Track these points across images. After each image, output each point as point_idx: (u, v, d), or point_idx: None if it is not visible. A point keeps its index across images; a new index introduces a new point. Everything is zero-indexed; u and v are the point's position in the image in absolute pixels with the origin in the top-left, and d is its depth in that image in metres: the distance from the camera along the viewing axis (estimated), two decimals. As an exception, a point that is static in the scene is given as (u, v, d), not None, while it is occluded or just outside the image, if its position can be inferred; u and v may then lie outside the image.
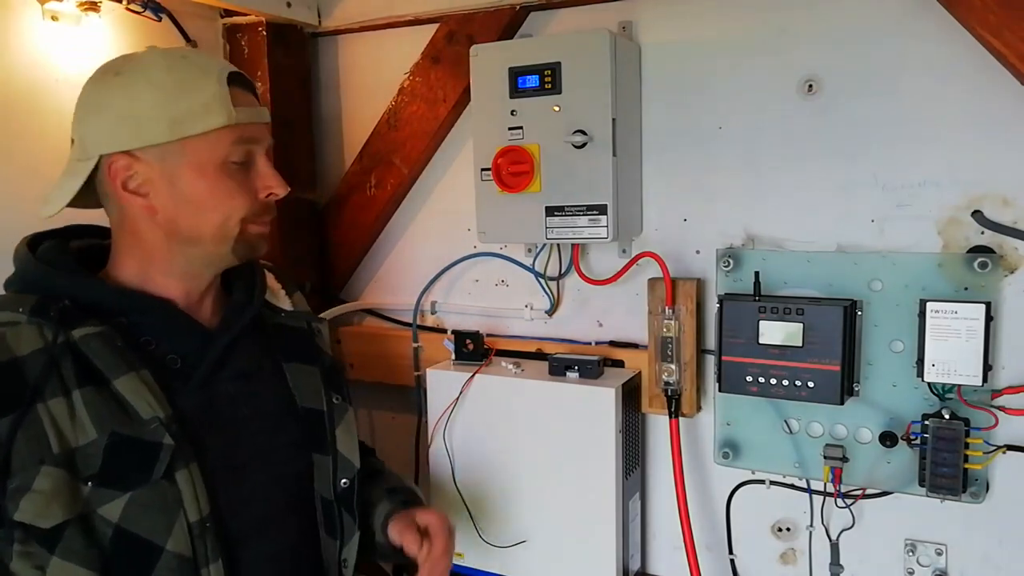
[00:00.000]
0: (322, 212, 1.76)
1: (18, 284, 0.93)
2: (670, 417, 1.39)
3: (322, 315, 1.71)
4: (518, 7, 1.47)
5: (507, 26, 1.48)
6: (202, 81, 0.92)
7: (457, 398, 1.44)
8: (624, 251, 1.47)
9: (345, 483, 1.07)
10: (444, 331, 1.66)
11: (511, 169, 1.35)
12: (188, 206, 0.94)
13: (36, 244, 0.96)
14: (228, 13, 1.63)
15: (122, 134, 0.91)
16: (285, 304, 1.14)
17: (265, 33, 1.62)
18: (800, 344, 1.24)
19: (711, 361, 1.38)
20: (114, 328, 0.90)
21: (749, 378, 1.29)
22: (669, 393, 1.39)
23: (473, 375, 1.43)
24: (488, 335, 1.61)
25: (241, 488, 0.96)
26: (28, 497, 0.81)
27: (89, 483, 0.84)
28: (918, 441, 1.22)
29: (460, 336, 1.52)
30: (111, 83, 0.93)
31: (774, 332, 1.26)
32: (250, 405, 1.01)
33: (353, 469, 1.09)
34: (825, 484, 1.31)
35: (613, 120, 1.31)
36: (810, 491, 1.35)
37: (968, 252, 1.21)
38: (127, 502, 0.85)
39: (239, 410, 0.99)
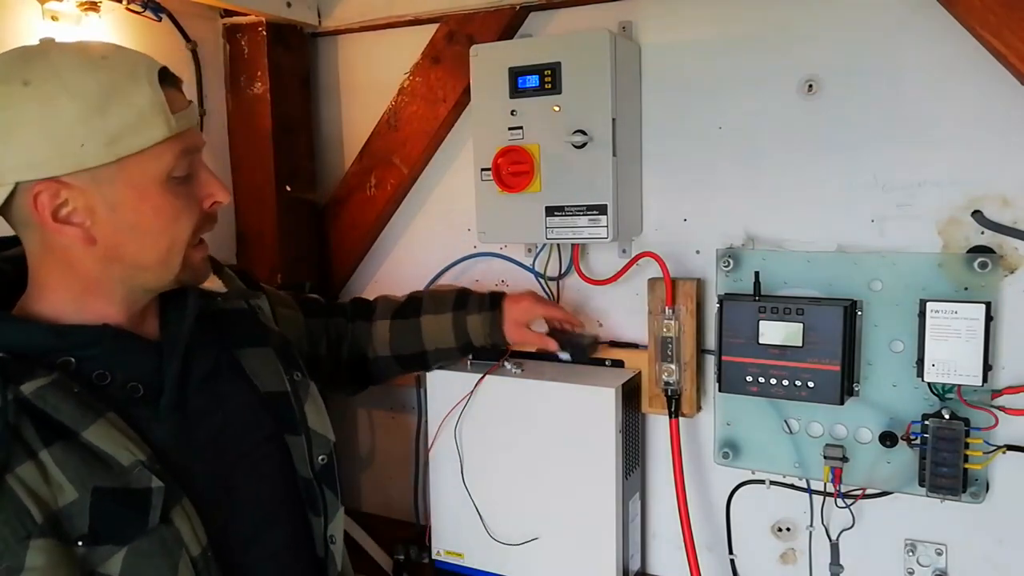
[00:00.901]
0: (322, 212, 1.76)
1: None
2: (670, 417, 1.39)
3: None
4: (518, 7, 1.47)
5: (507, 26, 1.48)
6: (131, 86, 0.80)
7: (469, 394, 1.43)
8: (624, 251, 1.47)
9: (322, 459, 1.04)
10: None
11: (511, 169, 1.35)
12: (131, 232, 0.84)
13: None
14: (228, 13, 1.63)
15: (45, 158, 0.78)
16: (216, 286, 1.06)
17: (265, 33, 1.61)
18: (800, 344, 1.24)
19: (711, 361, 1.38)
20: (63, 372, 0.81)
21: (749, 378, 1.29)
22: (669, 393, 1.39)
23: (485, 375, 1.42)
24: (488, 335, 1.62)
25: (231, 500, 0.92)
26: None
27: (80, 543, 0.76)
28: (918, 441, 1.21)
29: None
30: (19, 95, 0.78)
31: (774, 332, 1.26)
32: (220, 410, 0.96)
33: (328, 444, 1.06)
34: (825, 484, 1.31)
35: (613, 120, 1.31)
36: (810, 491, 1.35)
37: (968, 252, 1.21)
38: (126, 555, 0.79)
39: (212, 419, 0.94)
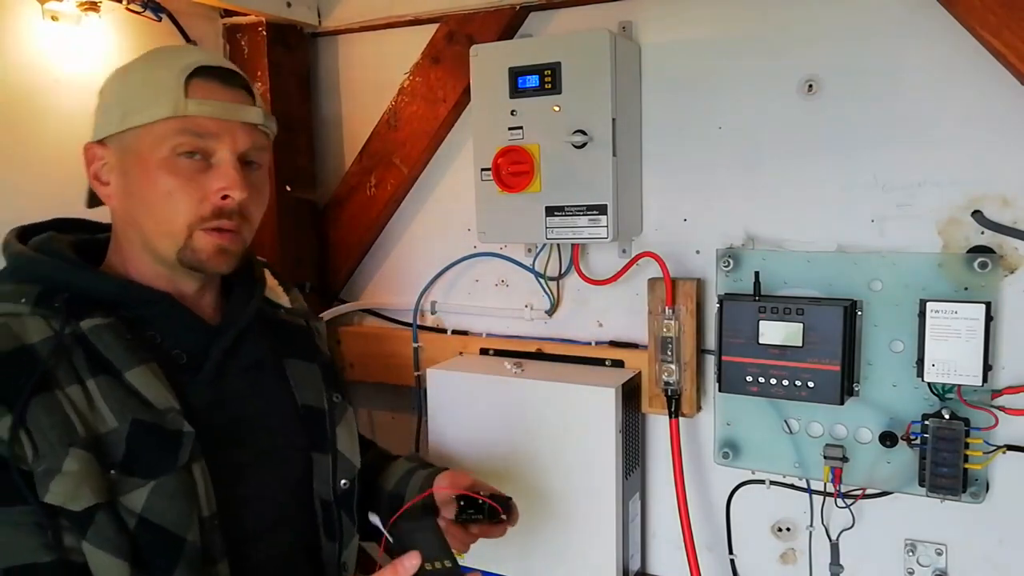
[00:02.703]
0: (322, 212, 1.76)
1: (14, 276, 0.89)
2: (670, 417, 1.39)
3: (322, 315, 1.71)
4: (518, 7, 1.47)
5: (507, 26, 1.48)
6: (161, 73, 0.90)
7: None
8: (624, 251, 1.47)
9: (345, 484, 1.05)
10: (444, 331, 1.66)
11: (511, 169, 1.35)
12: (133, 198, 0.91)
13: (24, 237, 0.94)
14: (228, 13, 1.63)
15: (95, 124, 0.94)
16: (284, 301, 1.11)
17: (265, 33, 1.62)
18: (800, 344, 1.24)
19: (711, 361, 1.38)
20: (120, 320, 0.88)
21: (749, 378, 1.29)
22: (669, 393, 1.39)
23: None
24: (488, 335, 1.62)
25: (245, 488, 0.94)
26: (58, 480, 0.78)
27: (113, 471, 0.82)
28: (918, 441, 1.21)
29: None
30: (110, 77, 0.95)
31: (774, 332, 1.26)
32: (256, 402, 0.99)
33: (353, 470, 1.07)
34: (825, 484, 1.31)
35: (613, 120, 1.31)
36: (810, 491, 1.35)
37: (968, 252, 1.21)
38: (151, 491, 0.83)
39: (246, 407, 0.97)
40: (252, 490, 0.95)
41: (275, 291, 1.12)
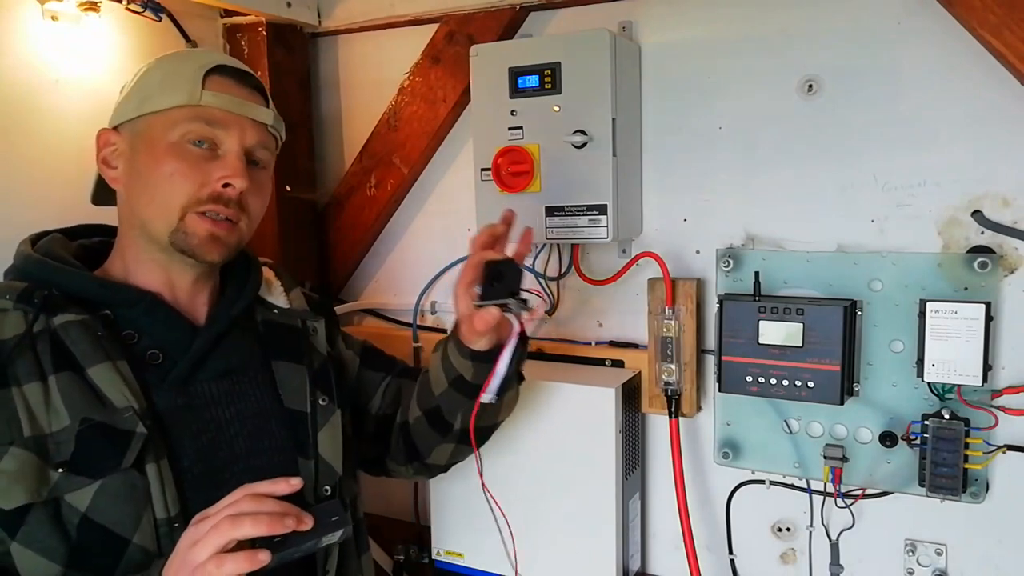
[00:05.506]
0: (322, 212, 1.76)
1: (12, 274, 0.94)
2: (670, 417, 1.39)
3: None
4: (518, 7, 1.47)
5: (507, 26, 1.48)
6: (182, 67, 0.95)
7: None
8: (624, 251, 1.47)
9: (326, 491, 1.04)
10: (444, 331, 1.66)
11: (511, 169, 1.35)
12: (137, 181, 0.94)
13: (40, 239, 0.98)
14: (228, 13, 1.63)
15: (112, 112, 0.98)
16: (280, 301, 1.11)
17: (265, 33, 1.62)
18: (800, 344, 1.24)
19: (711, 361, 1.38)
20: (97, 319, 0.90)
21: (749, 378, 1.29)
22: (669, 393, 1.39)
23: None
24: (488, 335, 1.62)
25: (219, 492, 0.89)
26: None
27: (59, 470, 0.82)
28: (918, 441, 1.22)
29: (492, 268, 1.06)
30: (135, 73, 1.00)
31: (774, 332, 1.26)
32: (233, 406, 0.98)
33: (335, 476, 1.05)
34: (825, 484, 1.31)
35: (613, 120, 1.31)
36: (810, 491, 1.35)
37: (968, 252, 1.21)
38: (96, 491, 0.83)
39: (220, 411, 0.96)
40: (225, 495, 0.91)
41: (273, 291, 1.12)
